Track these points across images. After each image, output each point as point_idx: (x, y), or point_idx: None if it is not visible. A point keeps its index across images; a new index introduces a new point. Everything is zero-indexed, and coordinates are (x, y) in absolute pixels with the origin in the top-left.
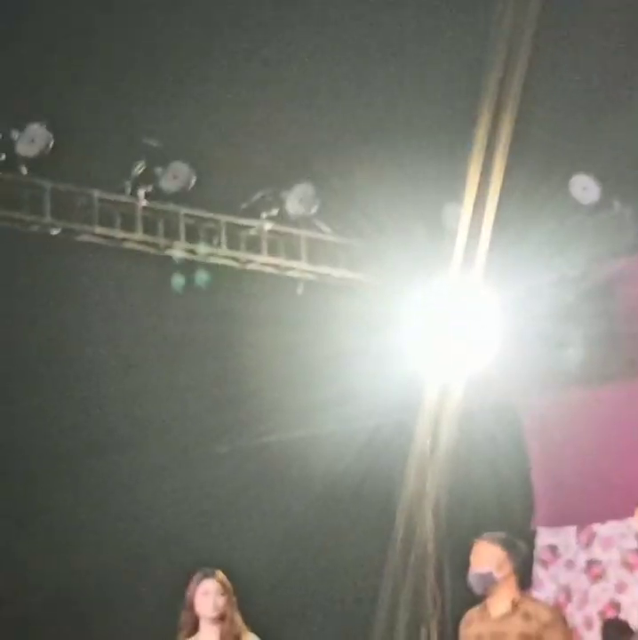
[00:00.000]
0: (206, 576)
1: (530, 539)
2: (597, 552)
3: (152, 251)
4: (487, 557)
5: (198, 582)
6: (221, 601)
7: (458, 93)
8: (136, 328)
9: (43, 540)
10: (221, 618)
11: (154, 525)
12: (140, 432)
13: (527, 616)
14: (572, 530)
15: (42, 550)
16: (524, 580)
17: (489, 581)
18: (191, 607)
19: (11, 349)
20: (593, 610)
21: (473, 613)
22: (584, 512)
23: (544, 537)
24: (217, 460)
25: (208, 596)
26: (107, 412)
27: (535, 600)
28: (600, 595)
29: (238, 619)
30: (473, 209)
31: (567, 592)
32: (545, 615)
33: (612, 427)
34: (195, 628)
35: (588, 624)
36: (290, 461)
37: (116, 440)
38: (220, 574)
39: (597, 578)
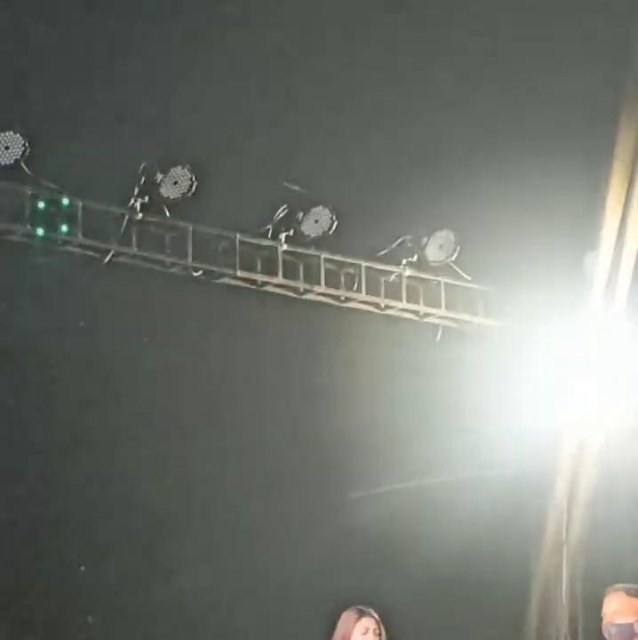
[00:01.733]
0: (364, 614)
1: None
2: None
3: (292, 294)
4: (627, 608)
5: (357, 619)
6: None
7: (597, 142)
8: (274, 375)
9: (191, 590)
10: None
11: (292, 570)
12: (277, 479)
13: None
14: None
15: (186, 600)
16: None
17: (629, 633)
18: None
19: (144, 392)
20: None
21: None
22: None
23: None
24: (353, 506)
25: (367, 634)
26: (244, 461)
27: None
28: None
29: None
30: (612, 256)
31: None
32: None
33: None
34: None
35: None
36: (427, 507)
37: (255, 487)
38: (375, 614)
39: None
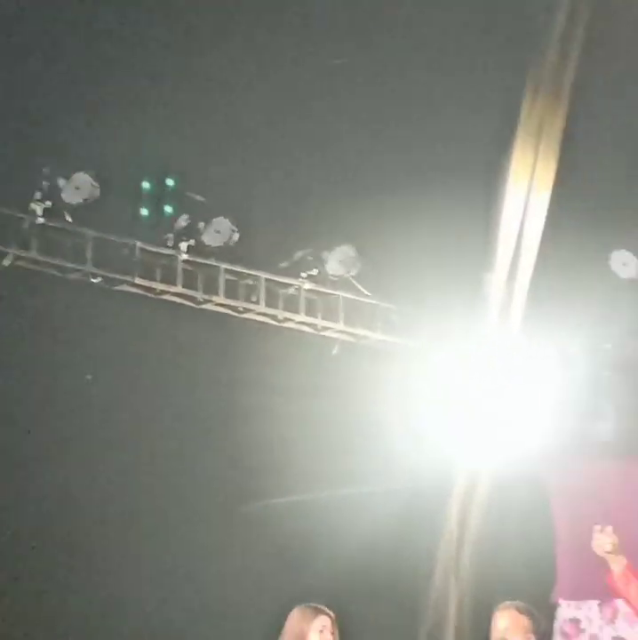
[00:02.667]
0: (319, 611)
1: (551, 611)
2: (622, 628)
3: (190, 304)
4: (516, 626)
5: (313, 617)
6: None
7: (496, 161)
8: (168, 389)
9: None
10: None
11: (172, 586)
12: (168, 495)
13: None
14: (595, 604)
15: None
16: None
17: None
18: None
19: (45, 396)
20: None
21: None
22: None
23: (566, 610)
24: (244, 521)
25: (324, 632)
26: (134, 478)
27: None
28: None
29: None
30: (508, 278)
31: None
32: None
33: None
34: None
35: None
36: (320, 523)
37: (142, 505)
38: (330, 612)
39: None
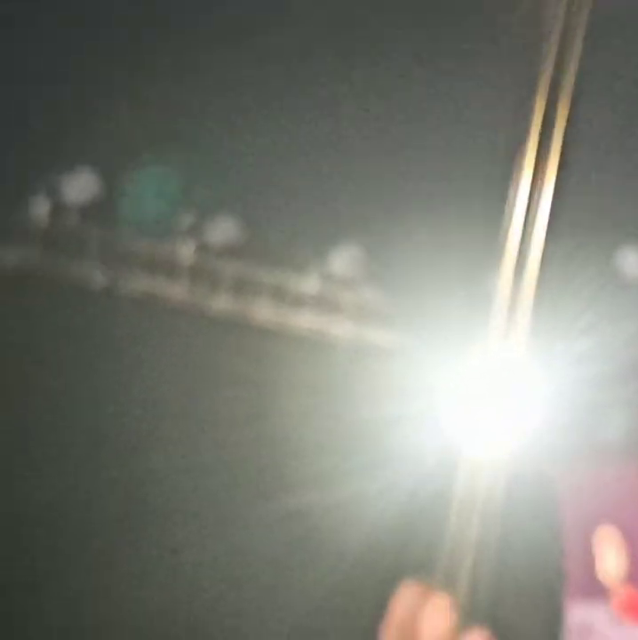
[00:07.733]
0: (435, 589)
1: (561, 613)
2: (633, 628)
3: (195, 305)
4: None
5: (426, 597)
6: None
7: (496, 159)
8: (173, 393)
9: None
10: None
11: (189, 591)
12: (177, 503)
13: None
14: (604, 604)
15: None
16: None
17: None
18: None
19: (50, 404)
20: None
21: None
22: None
23: (575, 611)
24: (251, 525)
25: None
26: (146, 486)
27: None
28: None
29: None
30: (514, 276)
31: None
32: None
33: None
34: None
35: None
36: (325, 525)
37: (152, 510)
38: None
39: None
